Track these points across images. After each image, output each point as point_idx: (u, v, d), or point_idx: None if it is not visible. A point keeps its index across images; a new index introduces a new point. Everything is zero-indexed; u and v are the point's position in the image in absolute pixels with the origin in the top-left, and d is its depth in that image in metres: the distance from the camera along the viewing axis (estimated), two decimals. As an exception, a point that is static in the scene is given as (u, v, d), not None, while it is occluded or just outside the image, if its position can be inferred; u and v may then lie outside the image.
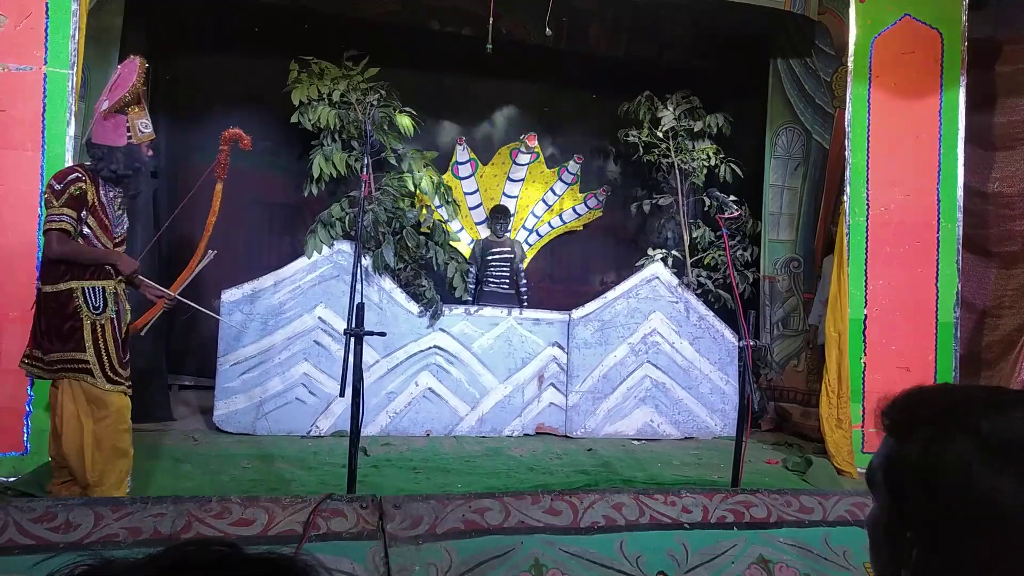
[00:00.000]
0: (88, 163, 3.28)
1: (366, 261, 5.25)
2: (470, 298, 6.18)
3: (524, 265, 6.53)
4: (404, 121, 5.66)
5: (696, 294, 6.09)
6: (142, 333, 3.83)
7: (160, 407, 5.25)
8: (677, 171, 6.58)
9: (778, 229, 6.60)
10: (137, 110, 3.28)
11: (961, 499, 0.78)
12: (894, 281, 4.94)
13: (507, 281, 6.25)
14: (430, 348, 5.43)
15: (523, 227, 7.06)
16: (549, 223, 7.16)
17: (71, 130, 3.89)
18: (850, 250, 4.93)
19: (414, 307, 5.40)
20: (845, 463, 4.77)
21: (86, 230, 3.17)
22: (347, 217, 5.31)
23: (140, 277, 3.46)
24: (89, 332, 3.13)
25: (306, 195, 5.64)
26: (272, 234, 6.49)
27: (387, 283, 5.37)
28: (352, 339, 3.05)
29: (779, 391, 6.41)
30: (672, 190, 6.66)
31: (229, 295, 5.08)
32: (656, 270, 5.92)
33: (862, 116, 4.96)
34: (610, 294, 5.79)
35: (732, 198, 4.27)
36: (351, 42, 5.85)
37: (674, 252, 6.57)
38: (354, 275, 3.21)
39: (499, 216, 6.39)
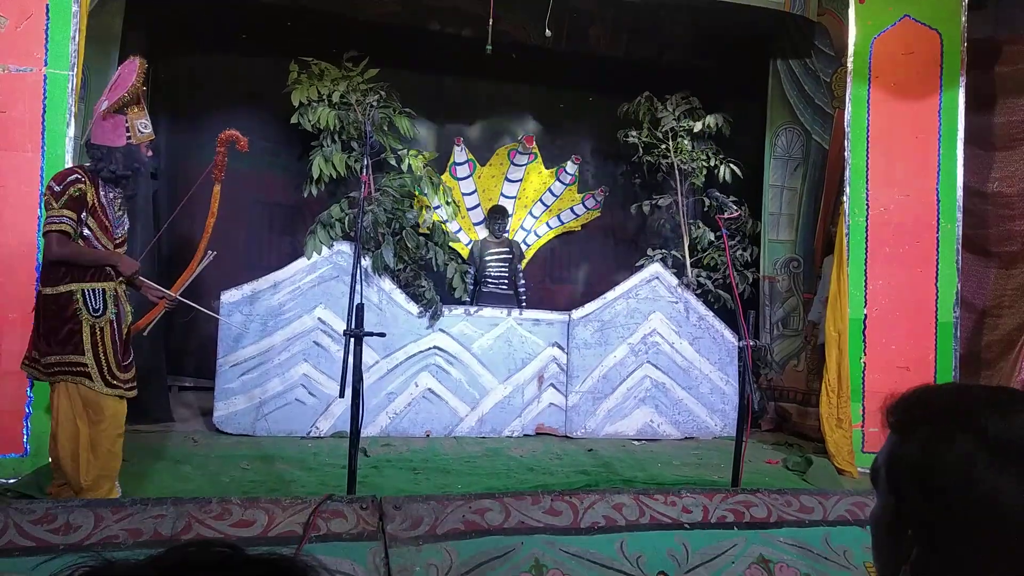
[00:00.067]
0: (88, 164, 3.27)
1: (366, 262, 5.25)
2: (469, 299, 6.18)
3: (522, 265, 6.53)
4: (404, 122, 5.66)
5: (696, 294, 6.09)
6: (145, 333, 3.84)
7: (160, 408, 5.25)
8: (677, 171, 6.58)
9: (778, 229, 6.61)
10: (136, 110, 3.27)
11: (961, 498, 0.78)
12: (894, 281, 4.94)
13: (505, 282, 6.25)
14: (430, 349, 5.43)
15: (521, 227, 7.06)
16: (547, 223, 7.16)
17: (71, 131, 3.89)
18: (850, 250, 4.93)
19: (414, 308, 5.41)
20: (845, 463, 4.77)
21: (86, 231, 3.16)
22: (347, 218, 5.31)
23: (141, 278, 3.46)
24: (88, 335, 3.12)
25: (306, 196, 5.64)
26: (272, 235, 6.49)
27: (387, 284, 5.37)
28: (352, 340, 3.05)
29: (779, 391, 6.41)
30: (672, 190, 6.67)
31: (229, 296, 5.08)
32: (656, 270, 5.92)
33: (861, 116, 4.96)
34: (610, 294, 5.79)
35: (732, 198, 4.27)
36: (351, 43, 5.86)
37: (674, 252, 6.57)
38: (354, 276, 3.21)
39: (497, 216, 6.39)
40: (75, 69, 3.91)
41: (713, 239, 6.51)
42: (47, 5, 3.89)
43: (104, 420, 3.16)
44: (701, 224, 6.65)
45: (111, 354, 3.18)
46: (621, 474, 4.45)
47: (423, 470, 4.36)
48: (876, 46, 4.97)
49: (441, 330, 5.46)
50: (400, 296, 5.39)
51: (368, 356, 4.82)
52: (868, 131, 4.96)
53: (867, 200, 4.96)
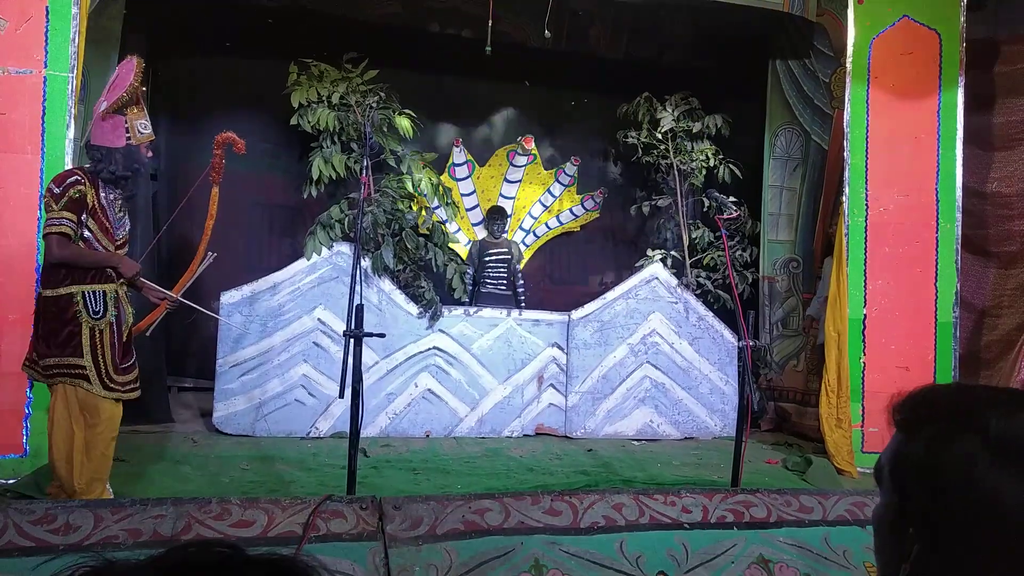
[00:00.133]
0: (88, 165, 3.27)
1: (365, 263, 5.25)
2: (468, 299, 6.18)
3: (521, 266, 6.53)
4: (403, 123, 5.67)
5: (695, 295, 6.10)
6: (147, 334, 3.84)
7: (160, 409, 5.25)
8: (676, 172, 6.58)
9: (777, 230, 6.61)
10: (136, 111, 3.26)
11: (963, 498, 0.78)
12: (893, 281, 4.94)
13: (504, 282, 6.25)
14: (429, 349, 5.43)
15: (520, 228, 7.06)
16: (546, 224, 7.16)
17: (71, 133, 3.89)
18: (849, 250, 4.93)
19: (413, 308, 5.41)
20: (845, 463, 4.78)
21: (87, 233, 3.15)
22: (346, 219, 5.31)
23: (142, 279, 3.45)
24: (87, 338, 3.12)
25: (305, 197, 5.65)
26: (271, 236, 6.50)
27: (386, 284, 5.37)
28: (351, 340, 3.05)
29: (778, 391, 6.41)
30: (671, 191, 6.67)
31: (228, 297, 5.08)
32: (655, 271, 5.93)
33: (861, 117, 4.97)
34: (609, 295, 5.79)
35: (731, 199, 4.27)
36: (351, 44, 5.86)
37: (673, 253, 6.57)
38: (353, 276, 3.21)
39: (496, 217, 6.39)
40: (75, 71, 3.92)
41: (713, 239, 6.51)
42: (47, 7, 3.89)
43: (100, 423, 3.15)
44: (700, 224, 6.65)
45: (109, 357, 3.17)
46: (621, 474, 4.46)
47: (423, 470, 4.36)
48: (875, 46, 4.97)
49: (441, 331, 5.46)
50: (400, 297, 5.40)
51: (368, 357, 4.82)
52: (867, 131, 4.96)
53: (866, 200, 4.96)
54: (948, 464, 0.79)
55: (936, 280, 4.91)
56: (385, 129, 5.66)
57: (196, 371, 6.00)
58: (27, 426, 3.79)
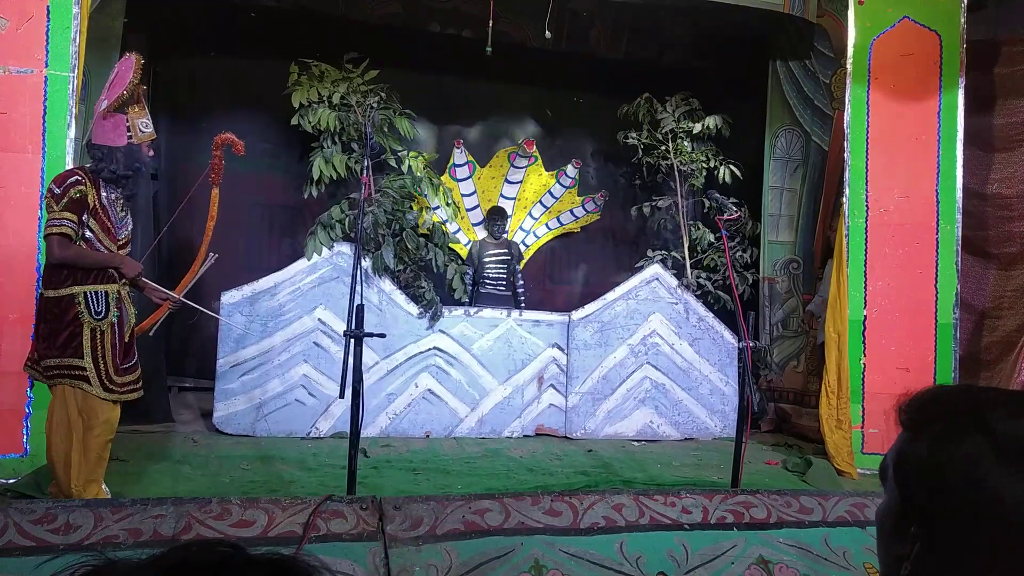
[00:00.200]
0: (89, 165, 3.26)
1: (366, 263, 5.26)
2: (468, 299, 6.18)
3: (521, 266, 6.53)
4: (404, 123, 5.67)
5: (695, 295, 6.10)
6: (150, 334, 3.84)
7: (160, 409, 5.25)
8: (676, 173, 6.58)
9: (777, 230, 6.61)
10: (137, 109, 3.25)
11: (965, 498, 0.78)
12: (893, 282, 4.94)
13: (504, 283, 6.25)
14: (430, 350, 5.43)
15: (520, 228, 7.06)
16: (547, 225, 7.16)
17: (72, 133, 3.90)
18: (849, 251, 4.93)
19: (414, 309, 5.41)
20: (845, 464, 4.78)
21: (88, 233, 3.13)
22: (347, 219, 5.32)
23: (144, 279, 3.44)
24: (88, 339, 3.10)
25: (306, 197, 5.65)
26: (272, 236, 6.50)
27: (387, 285, 5.38)
28: (352, 340, 3.06)
29: (778, 392, 6.41)
30: (671, 192, 6.67)
31: (229, 297, 5.08)
32: (655, 271, 5.93)
33: (861, 118, 4.97)
34: (610, 295, 5.79)
35: (731, 200, 4.27)
36: (351, 44, 5.86)
37: (673, 253, 6.57)
38: (354, 277, 3.21)
39: (496, 218, 6.38)
40: (76, 71, 3.92)
41: (713, 240, 6.51)
42: (48, 7, 3.89)
43: (96, 426, 3.14)
44: (701, 225, 6.65)
45: (110, 358, 3.16)
46: (621, 475, 4.46)
47: (423, 471, 4.36)
48: (875, 47, 4.97)
49: (441, 331, 5.46)
50: (400, 297, 5.40)
51: (368, 357, 4.82)
52: (868, 132, 4.96)
53: (867, 201, 4.96)
54: (951, 464, 0.79)
55: (936, 281, 4.91)
56: (386, 129, 5.66)
57: (196, 371, 6.00)
58: (27, 426, 3.79)
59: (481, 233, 6.72)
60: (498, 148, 7.05)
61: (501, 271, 6.25)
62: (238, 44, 6.21)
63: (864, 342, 4.92)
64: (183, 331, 5.73)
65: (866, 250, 4.95)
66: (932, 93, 4.96)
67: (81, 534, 2.09)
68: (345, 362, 3.02)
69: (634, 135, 6.60)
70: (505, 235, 6.51)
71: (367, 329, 3.14)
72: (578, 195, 7.16)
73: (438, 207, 6.01)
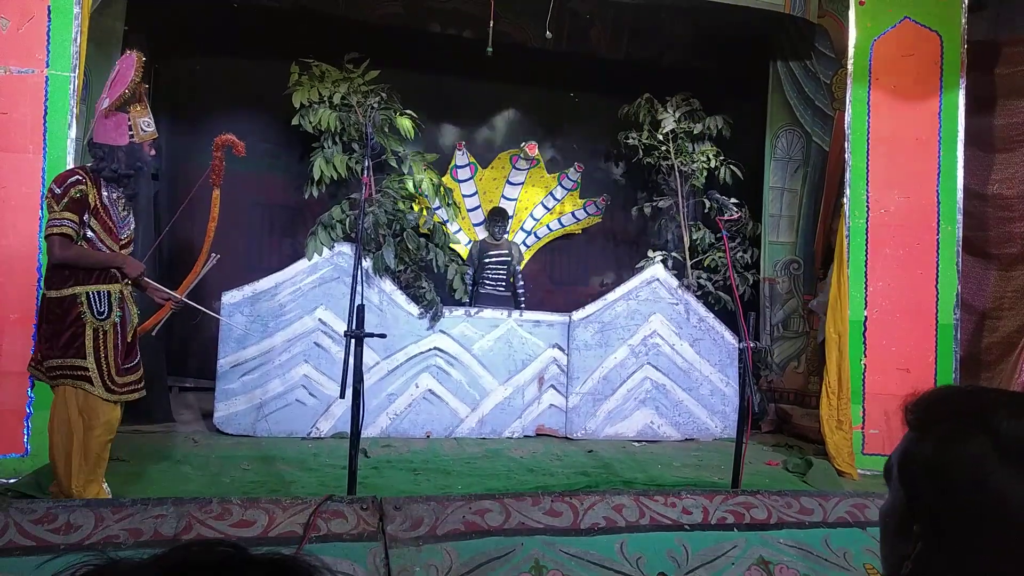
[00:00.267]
0: (90, 164, 3.24)
1: (366, 263, 5.26)
2: (468, 299, 6.18)
3: (521, 267, 6.53)
4: (404, 123, 5.67)
5: (696, 296, 6.10)
6: (153, 334, 3.84)
7: (160, 409, 5.25)
8: (677, 173, 6.59)
9: (778, 231, 6.61)
10: (139, 108, 3.24)
11: (969, 498, 0.78)
12: (894, 283, 4.94)
13: (503, 283, 6.25)
14: (430, 350, 5.43)
15: (521, 229, 7.06)
16: (548, 226, 7.16)
17: (72, 133, 3.90)
18: (850, 252, 4.93)
19: (414, 309, 5.41)
20: (845, 464, 4.77)
21: (90, 233, 3.12)
22: (347, 219, 5.32)
23: (146, 279, 3.42)
24: (91, 339, 3.09)
25: (307, 197, 5.65)
26: (273, 236, 6.50)
27: (387, 285, 5.38)
28: (352, 341, 3.06)
29: (779, 392, 6.41)
30: (672, 192, 6.67)
31: (229, 297, 5.08)
32: (656, 272, 5.93)
33: (862, 118, 4.97)
34: (610, 296, 5.79)
35: (732, 200, 4.27)
36: (352, 44, 5.86)
37: (674, 254, 6.57)
38: (354, 277, 3.21)
39: (497, 219, 6.38)
40: (76, 71, 3.92)
41: (713, 241, 6.51)
42: (48, 7, 3.90)
43: (98, 426, 3.13)
44: (701, 226, 6.65)
45: (112, 358, 3.15)
46: (621, 475, 4.46)
47: (423, 471, 4.36)
48: (876, 48, 4.97)
49: (441, 331, 5.46)
50: (401, 297, 5.40)
51: (368, 357, 4.82)
52: (868, 133, 4.96)
53: (867, 202, 4.96)
54: (956, 464, 0.80)
55: (937, 282, 4.91)
56: (386, 129, 5.67)
57: (197, 371, 6.01)
58: (28, 426, 3.79)
59: (482, 233, 6.72)
60: (499, 148, 7.05)
61: (501, 272, 6.25)
62: (238, 44, 6.21)
63: (865, 343, 4.92)
64: (184, 331, 5.74)
65: (867, 250, 4.95)
66: (933, 93, 4.96)
67: (82, 534, 2.09)
68: (346, 362, 3.02)
69: (635, 135, 6.60)
70: (506, 236, 6.51)
71: (368, 329, 3.14)
72: (580, 198, 7.15)
73: (439, 207, 6.01)
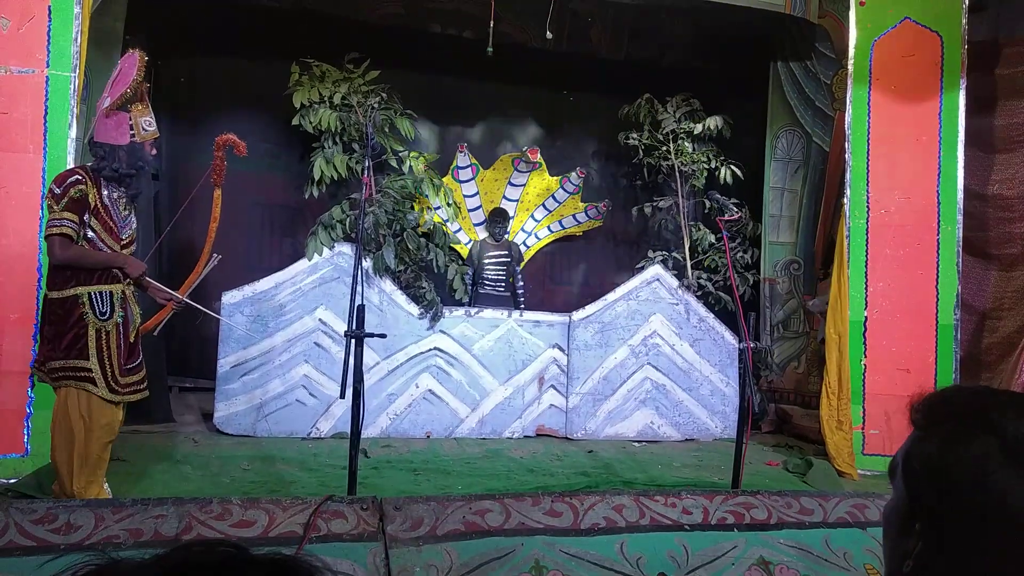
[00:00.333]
0: (90, 163, 3.23)
1: (366, 263, 5.26)
2: (468, 299, 6.18)
3: (521, 267, 6.52)
4: (405, 124, 5.67)
5: (696, 296, 6.10)
6: (155, 334, 3.84)
7: (161, 409, 5.25)
8: (677, 173, 6.59)
9: (778, 231, 6.61)
10: (141, 107, 3.22)
11: (971, 498, 0.78)
12: (894, 283, 4.94)
13: (503, 284, 6.25)
14: (430, 350, 5.43)
15: (522, 230, 7.05)
16: (548, 227, 7.15)
17: (73, 132, 3.90)
18: (850, 252, 4.93)
19: (414, 309, 5.41)
20: (846, 465, 4.77)
21: (90, 234, 3.10)
22: (348, 219, 5.32)
23: (148, 279, 3.40)
24: (93, 340, 3.08)
25: (307, 197, 5.65)
26: (273, 236, 6.50)
27: (387, 285, 5.38)
28: (352, 341, 3.05)
29: (779, 393, 6.41)
30: (672, 192, 6.67)
31: (229, 297, 5.08)
32: (656, 272, 5.93)
33: (862, 119, 4.97)
34: (610, 296, 5.79)
35: (732, 200, 4.27)
36: (352, 44, 5.87)
37: (674, 254, 6.57)
38: (355, 277, 3.21)
39: (498, 219, 6.38)
40: (77, 71, 3.92)
41: (714, 241, 6.51)
42: (49, 7, 3.90)
43: (98, 428, 3.12)
44: (702, 226, 6.66)
45: (116, 358, 3.14)
46: (621, 475, 4.46)
47: (423, 471, 4.36)
48: (876, 48, 4.97)
49: (442, 331, 5.46)
50: (401, 297, 5.40)
51: (369, 357, 4.83)
52: (869, 133, 4.97)
53: (868, 202, 4.96)
54: (960, 464, 0.80)
55: (937, 282, 4.91)
56: (386, 130, 5.67)
57: (197, 371, 6.01)
58: (28, 426, 3.79)
59: (482, 233, 6.72)
60: (499, 148, 7.05)
61: (500, 272, 6.26)
62: (238, 44, 6.21)
63: (865, 343, 4.92)
64: (184, 331, 5.74)
65: (867, 251, 4.95)
66: (933, 94, 4.96)
67: (82, 534, 2.09)
68: (346, 362, 3.02)
69: (635, 136, 6.60)
70: (506, 236, 6.51)
71: (368, 329, 3.14)
72: (581, 201, 7.13)
73: (439, 207, 6.01)
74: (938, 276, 4.91)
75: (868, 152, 4.96)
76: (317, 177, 5.50)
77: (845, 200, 4.98)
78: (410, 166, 5.70)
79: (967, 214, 5.00)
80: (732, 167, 6.48)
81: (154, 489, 3.68)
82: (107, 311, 3.12)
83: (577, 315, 5.70)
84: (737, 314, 3.86)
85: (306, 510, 2.27)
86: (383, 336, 3.63)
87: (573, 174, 6.95)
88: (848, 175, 4.97)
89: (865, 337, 4.92)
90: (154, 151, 3.33)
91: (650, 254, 6.58)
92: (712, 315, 5.99)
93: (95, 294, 3.11)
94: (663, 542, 2.41)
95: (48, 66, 3.89)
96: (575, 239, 7.30)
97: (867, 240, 4.96)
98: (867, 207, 4.96)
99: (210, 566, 0.59)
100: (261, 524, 2.22)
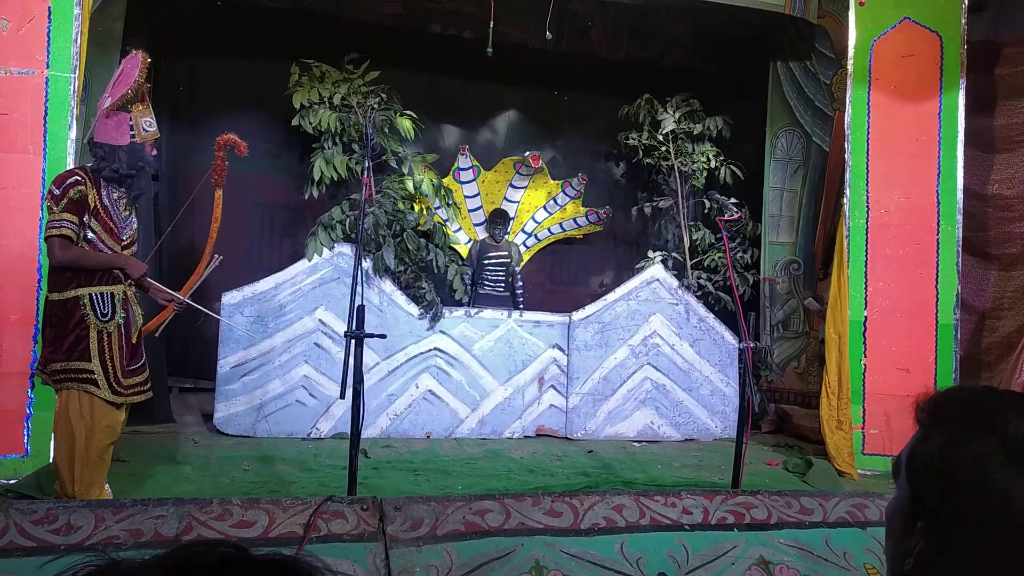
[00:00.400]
0: (90, 164, 3.22)
1: (366, 263, 5.26)
2: (468, 299, 6.18)
3: (520, 268, 6.52)
4: (405, 124, 5.67)
5: (696, 296, 6.10)
6: (156, 335, 3.83)
7: (161, 410, 5.25)
8: (677, 173, 6.59)
9: (778, 231, 6.61)
10: (141, 108, 3.20)
11: (972, 498, 0.78)
12: (894, 283, 4.95)
13: (502, 284, 6.25)
14: (430, 350, 5.43)
15: (522, 231, 7.05)
16: (549, 229, 7.15)
17: (73, 133, 3.90)
18: (850, 252, 4.93)
19: (414, 309, 5.41)
20: (845, 464, 4.78)
21: (90, 234, 3.09)
22: (348, 220, 5.32)
23: (149, 280, 3.38)
24: (95, 341, 3.06)
25: (307, 198, 5.65)
26: (273, 237, 6.50)
27: (387, 285, 5.38)
28: (352, 341, 3.05)
29: (779, 393, 6.41)
30: (672, 192, 6.67)
31: (229, 297, 5.08)
32: (656, 272, 5.93)
33: (862, 119, 4.97)
34: (610, 296, 5.79)
35: (732, 200, 4.27)
36: (352, 45, 5.87)
37: (674, 254, 6.58)
38: (354, 277, 3.21)
39: (498, 220, 6.38)
40: (77, 71, 3.92)
41: (713, 241, 6.51)
42: (49, 8, 3.90)
43: (100, 430, 3.11)
44: (701, 226, 6.66)
45: (118, 360, 3.12)
46: (621, 476, 4.46)
47: (423, 471, 4.36)
48: (876, 48, 4.98)
49: (442, 332, 5.47)
50: (401, 298, 5.40)
51: (369, 357, 4.83)
52: (868, 133, 4.97)
53: (867, 202, 4.96)
54: (962, 463, 0.80)
55: (937, 282, 4.91)
56: (386, 130, 5.67)
57: (197, 372, 6.01)
58: (28, 426, 3.79)
59: (482, 233, 6.72)
60: (499, 148, 7.05)
61: (499, 273, 6.26)
62: (238, 44, 6.21)
63: (865, 343, 4.92)
64: (184, 332, 5.74)
65: (867, 251, 4.95)
66: (933, 94, 4.96)
67: (82, 535, 2.09)
68: (346, 363, 3.02)
69: (635, 136, 6.60)
70: (506, 237, 6.51)
71: (368, 330, 3.14)
72: (583, 206, 7.12)
73: (439, 208, 6.01)
74: (938, 276, 4.91)
75: (868, 152, 4.96)
76: (317, 177, 5.50)
77: (845, 200, 4.98)
78: (410, 166, 5.70)
79: (967, 214, 5.00)
80: (732, 167, 6.48)
81: (154, 489, 3.68)
82: (108, 312, 3.11)
83: (577, 315, 5.70)
84: (737, 314, 3.86)
85: (306, 510, 2.27)
86: (383, 336, 3.62)
87: (575, 180, 6.92)
88: (848, 175, 4.97)
89: (865, 337, 4.93)
90: (154, 151, 3.32)
91: (650, 254, 6.59)
92: (712, 315, 5.99)
93: (96, 295, 3.09)
94: (663, 542, 2.41)
95: (48, 67, 3.89)
96: (575, 240, 7.30)
97: (867, 240, 4.96)
98: (867, 207, 4.96)
99: (210, 566, 0.59)
100: (261, 524, 2.22)
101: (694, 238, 6.56)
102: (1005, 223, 5.47)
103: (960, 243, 4.89)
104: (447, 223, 6.12)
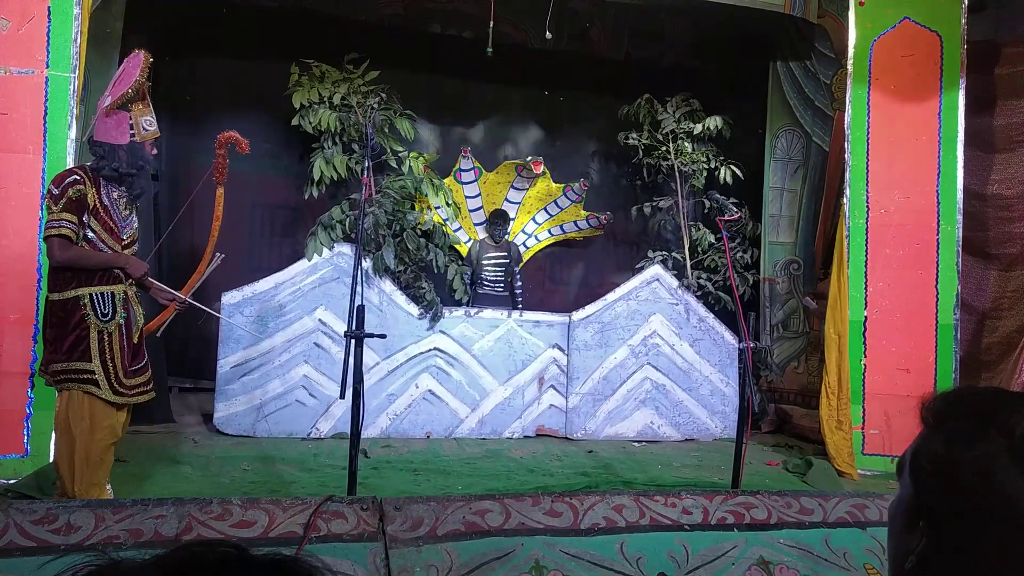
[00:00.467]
0: (90, 163, 3.20)
1: (366, 263, 5.26)
2: (468, 299, 6.18)
3: (519, 268, 6.52)
4: (404, 124, 5.67)
5: (696, 296, 6.10)
6: (158, 335, 3.83)
7: (161, 410, 5.24)
8: (677, 173, 6.59)
9: (778, 231, 6.61)
10: (141, 107, 3.19)
11: (975, 498, 0.78)
12: (894, 283, 4.95)
13: (502, 284, 6.25)
14: (430, 350, 5.43)
15: (523, 231, 7.05)
16: (549, 231, 7.14)
17: (72, 133, 3.90)
18: (850, 252, 4.93)
19: (414, 309, 5.41)
20: (845, 464, 4.78)
21: (90, 234, 3.07)
22: (347, 219, 5.32)
23: (150, 280, 3.36)
24: (96, 341, 3.05)
25: (307, 198, 5.65)
26: (273, 236, 6.50)
27: (387, 285, 5.38)
28: (352, 341, 3.05)
29: (779, 393, 6.41)
30: (672, 192, 6.67)
31: (229, 297, 5.08)
32: (656, 272, 5.93)
33: (862, 118, 4.97)
34: (610, 296, 5.79)
35: (732, 200, 4.27)
36: (352, 45, 5.87)
37: (674, 254, 6.57)
38: (354, 277, 3.21)
39: (498, 221, 6.38)
40: (76, 71, 3.92)
41: (713, 241, 6.51)
42: (48, 7, 3.90)
43: (100, 430, 3.10)
44: (701, 226, 6.66)
45: (119, 360, 3.11)
46: (621, 475, 4.46)
47: (423, 471, 4.36)
48: (876, 48, 4.98)
49: (441, 331, 5.47)
50: (400, 297, 5.40)
51: (368, 357, 4.83)
52: (868, 133, 4.97)
53: (867, 202, 4.97)
54: (966, 463, 0.80)
55: (937, 282, 4.91)
56: (386, 130, 5.67)
57: (197, 371, 6.00)
58: (28, 426, 3.79)
59: (482, 233, 6.71)
60: (499, 148, 7.04)
61: (499, 273, 6.26)
62: (238, 44, 6.21)
63: (864, 343, 4.92)
64: (184, 332, 5.73)
65: (867, 251, 4.95)
66: (933, 94, 4.96)
67: (82, 534, 2.09)
68: (345, 363, 3.02)
69: (635, 136, 6.60)
70: (506, 237, 6.50)
71: (368, 330, 3.14)
72: (583, 209, 7.10)
73: (439, 207, 6.01)
74: (938, 276, 4.91)
75: (868, 152, 4.97)
76: (317, 177, 5.50)
77: (845, 200, 4.98)
78: (410, 166, 5.70)
79: (967, 214, 5.00)
80: (732, 167, 6.48)
81: (154, 489, 3.68)
82: (109, 312, 3.10)
83: (577, 315, 5.70)
84: (737, 314, 3.86)
85: (306, 510, 2.27)
86: (383, 336, 3.62)
87: (577, 184, 6.90)
88: (848, 175, 4.97)
89: (865, 337, 4.93)
90: (154, 151, 3.30)
91: (650, 254, 6.58)
92: (712, 315, 5.99)
93: (96, 295, 3.08)
94: (663, 542, 2.41)
95: (48, 67, 3.89)
96: (575, 240, 7.29)
97: (867, 240, 4.96)
98: (867, 207, 4.96)
99: (210, 566, 0.59)
100: (261, 524, 2.22)
101: (694, 238, 6.56)
102: (1005, 223, 5.47)
103: (960, 243, 4.89)
104: (447, 223, 6.11)
